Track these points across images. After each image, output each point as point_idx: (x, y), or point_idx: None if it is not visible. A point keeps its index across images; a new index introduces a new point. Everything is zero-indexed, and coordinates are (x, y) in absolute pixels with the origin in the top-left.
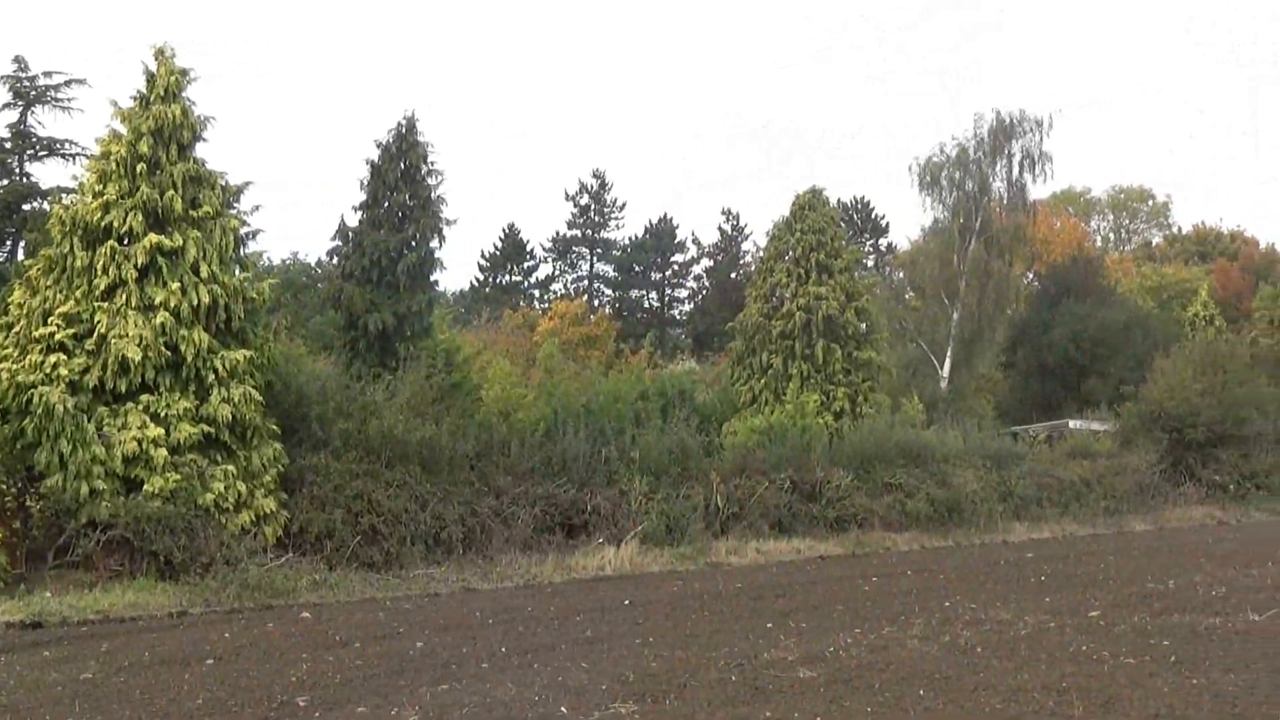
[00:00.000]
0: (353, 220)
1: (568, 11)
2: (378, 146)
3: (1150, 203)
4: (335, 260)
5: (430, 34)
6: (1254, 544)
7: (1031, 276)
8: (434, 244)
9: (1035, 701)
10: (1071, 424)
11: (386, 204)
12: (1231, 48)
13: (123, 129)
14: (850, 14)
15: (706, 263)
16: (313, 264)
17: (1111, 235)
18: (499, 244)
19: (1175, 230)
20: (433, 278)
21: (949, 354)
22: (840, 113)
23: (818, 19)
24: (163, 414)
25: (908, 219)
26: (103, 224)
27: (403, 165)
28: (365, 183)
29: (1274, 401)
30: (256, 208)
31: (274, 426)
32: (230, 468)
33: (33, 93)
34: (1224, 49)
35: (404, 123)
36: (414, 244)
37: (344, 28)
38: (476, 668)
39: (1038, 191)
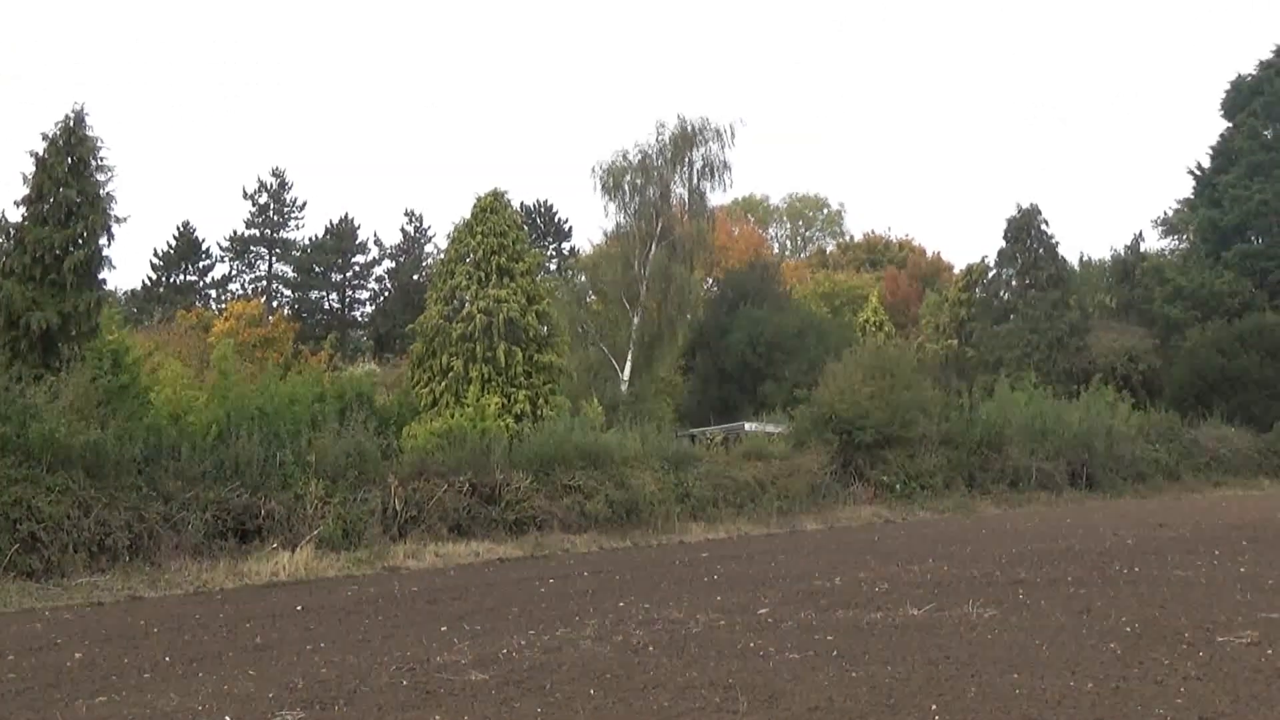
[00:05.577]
0: (15, 215)
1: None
2: (44, 139)
3: (825, 211)
4: None
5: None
6: (917, 541)
7: (711, 282)
8: (103, 241)
9: (702, 698)
10: (747, 426)
11: (53, 199)
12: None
13: None
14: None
15: (388, 264)
16: None
17: (788, 242)
18: (172, 242)
19: (848, 238)
20: (101, 276)
21: (629, 357)
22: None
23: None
24: None
25: (591, 222)
26: None
27: (70, 160)
28: (29, 177)
29: (938, 404)
30: None
31: None
32: None
33: None
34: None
35: (72, 115)
36: (81, 241)
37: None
38: (138, 678)
39: (718, 199)
